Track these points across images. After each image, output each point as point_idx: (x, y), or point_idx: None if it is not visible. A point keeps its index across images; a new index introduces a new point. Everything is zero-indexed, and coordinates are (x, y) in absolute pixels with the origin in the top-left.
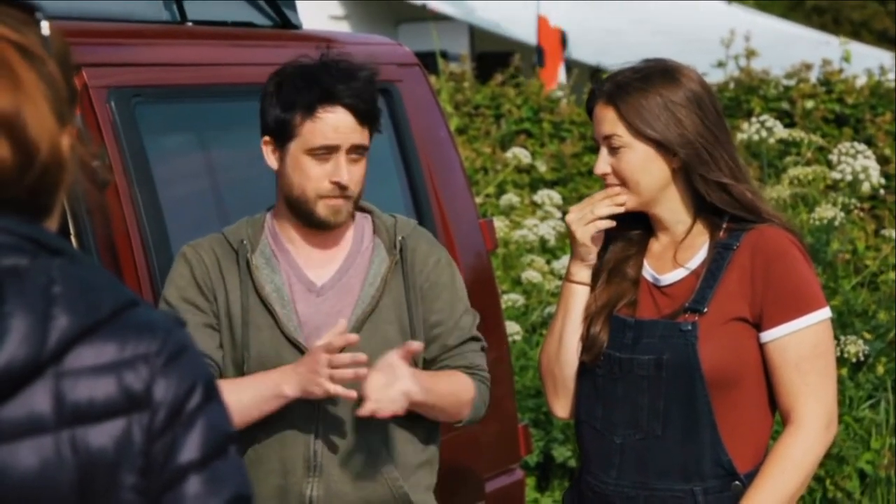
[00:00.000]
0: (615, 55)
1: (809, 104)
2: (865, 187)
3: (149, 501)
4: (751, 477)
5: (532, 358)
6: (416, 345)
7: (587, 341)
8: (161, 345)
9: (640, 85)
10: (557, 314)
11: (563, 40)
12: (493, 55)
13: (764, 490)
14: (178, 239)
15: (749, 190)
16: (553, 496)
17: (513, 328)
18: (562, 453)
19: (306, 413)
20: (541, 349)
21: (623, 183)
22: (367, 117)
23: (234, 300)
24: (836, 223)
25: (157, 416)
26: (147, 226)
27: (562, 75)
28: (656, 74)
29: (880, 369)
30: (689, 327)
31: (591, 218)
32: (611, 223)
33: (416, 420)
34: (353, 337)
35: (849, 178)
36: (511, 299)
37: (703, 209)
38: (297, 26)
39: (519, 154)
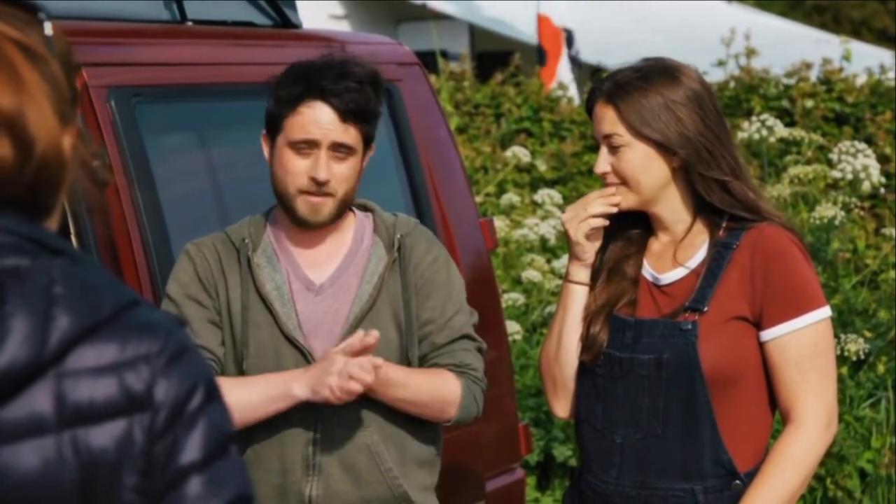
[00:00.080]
0: (615, 54)
1: (809, 103)
2: (866, 186)
3: (150, 502)
4: (751, 476)
5: (532, 357)
6: (374, 334)
7: (587, 341)
8: (162, 345)
9: (640, 84)
10: (556, 314)
11: (569, 39)
12: (493, 54)
13: (764, 489)
14: (178, 238)
15: (749, 189)
16: (553, 495)
17: (513, 327)
18: (562, 452)
19: (305, 412)
20: (541, 349)
21: (623, 182)
22: (351, 116)
23: (234, 298)
24: (837, 222)
25: (159, 417)
26: (147, 225)
27: (565, 74)
28: (656, 73)
29: (881, 368)
30: (689, 326)
31: (584, 216)
32: (604, 222)
33: (416, 420)
34: (371, 339)
35: (849, 176)
36: (511, 298)
37: (702, 208)
38: (297, 26)
39: (519, 153)
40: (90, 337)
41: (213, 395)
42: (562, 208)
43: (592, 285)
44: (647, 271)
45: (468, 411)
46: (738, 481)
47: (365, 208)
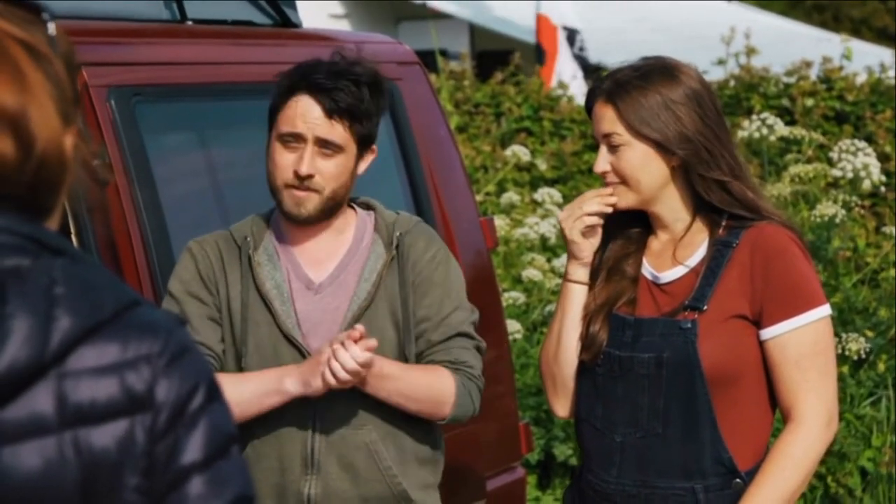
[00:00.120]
0: (615, 54)
1: (810, 102)
2: (866, 185)
3: (152, 502)
4: (751, 475)
5: (533, 356)
6: (359, 328)
7: (587, 340)
8: (163, 345)
9: (639, 83)
10: (556, 314)
11: (570, 38)
12: (493, 53)
13: (765, 488)
14: (178, 238)
15: (749, 188)
16: (554, 494)
17: (513, 326)
18: (563, 451)
19: (304, 410)
20: (540, 348)
21: (623, 181)
22: (337, 113)
23: (234, 295)
24: (837, 220)
25: (160, 417)
26: (147, 225)
27: (566, 73)
28: (656, 72)
29: (881, 366)
30: (689, 325)
31: (579, 214)
32: (599, 220)
33: (414, 418)
34: (363, 338)
35: (849, 175)
36: (512, 297)
37: (702, 207)
38: (297, 25)
39: (519, 152)
40: (91, 337)
41: (215, 394)
42: (562, 207)
43: (592, 284)
44: (647, 270)
45: (464, 409)
46: (738, 480)
47: (367, 206)
